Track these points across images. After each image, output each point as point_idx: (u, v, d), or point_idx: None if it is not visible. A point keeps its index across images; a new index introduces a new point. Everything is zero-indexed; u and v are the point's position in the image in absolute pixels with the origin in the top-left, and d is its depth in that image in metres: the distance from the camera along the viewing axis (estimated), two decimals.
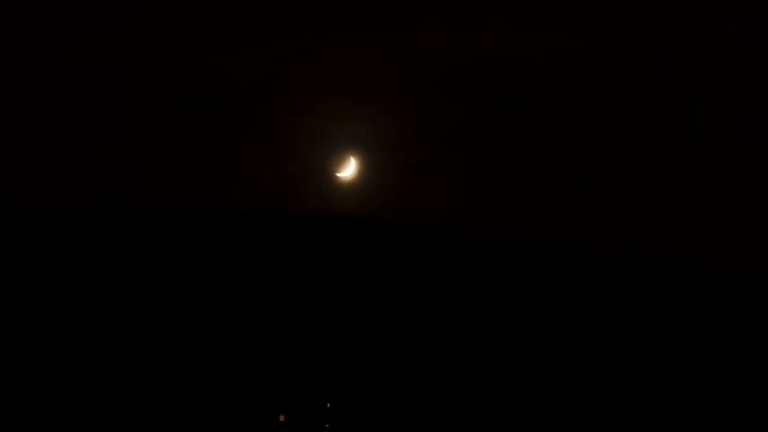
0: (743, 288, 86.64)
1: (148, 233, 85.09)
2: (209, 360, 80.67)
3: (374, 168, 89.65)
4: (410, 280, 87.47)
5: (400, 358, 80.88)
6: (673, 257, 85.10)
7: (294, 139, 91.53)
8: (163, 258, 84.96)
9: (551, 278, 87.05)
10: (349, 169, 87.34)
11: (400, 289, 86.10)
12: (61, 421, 71.41)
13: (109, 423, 74.26)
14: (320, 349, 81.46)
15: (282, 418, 74.80)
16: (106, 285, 78.87)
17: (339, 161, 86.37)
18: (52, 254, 74.79)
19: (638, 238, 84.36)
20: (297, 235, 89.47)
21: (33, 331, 71.27)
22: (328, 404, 78.54)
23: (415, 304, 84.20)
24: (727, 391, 75.77)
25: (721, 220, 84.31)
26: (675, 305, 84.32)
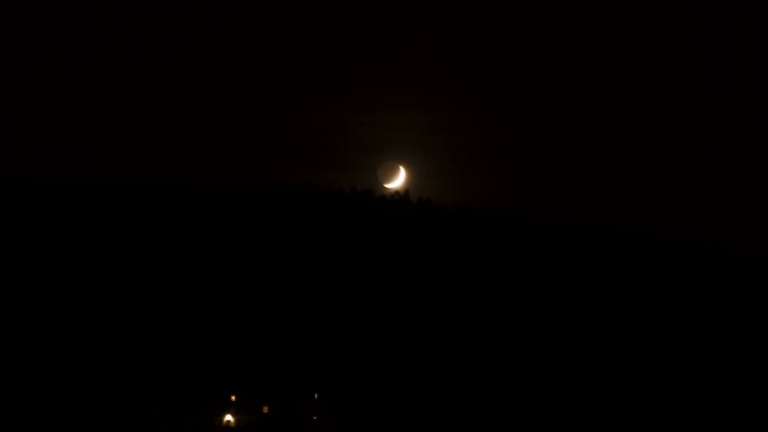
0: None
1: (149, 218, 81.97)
2: (194, 352, 76.36)
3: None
4: (403, 276, 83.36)
5: (393, 351, 77.02)
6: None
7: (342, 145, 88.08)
8: (153, 245, 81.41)
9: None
10: (398, 180, 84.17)
11: (393, 283, 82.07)
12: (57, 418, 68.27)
13: (100, 413, 70.80)
14: (310, 341, 77.40)
15: (265, 409, 71.08)
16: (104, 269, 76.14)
17: (387, 171, 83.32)
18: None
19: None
20: (288, 228, 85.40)
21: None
22: (316, 395, 74.59)
23: (409, 299, 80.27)
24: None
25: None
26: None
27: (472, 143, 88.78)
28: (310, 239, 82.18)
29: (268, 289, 79.60)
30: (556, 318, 79.77)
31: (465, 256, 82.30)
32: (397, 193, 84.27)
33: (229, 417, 75.55)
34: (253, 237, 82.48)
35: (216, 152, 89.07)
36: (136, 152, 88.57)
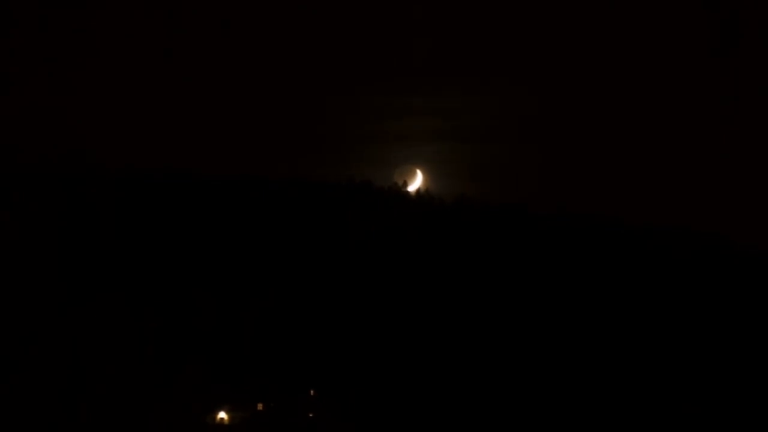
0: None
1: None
2: (188, 347, 74.72)
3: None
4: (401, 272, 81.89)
5: (390, 347, 75.48)
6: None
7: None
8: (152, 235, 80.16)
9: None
10: (416, 183, 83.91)
11: (388, 277, 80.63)
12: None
13: (89, 407, 69.36)
14: (305, 337, 75.79)
15: (260, 406, 69.16)
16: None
17: (404, 174, 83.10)
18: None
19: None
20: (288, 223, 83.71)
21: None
22: (312, 391, 72.80)
23: (411, 295, 78.79)
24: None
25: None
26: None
27: (487, 141, 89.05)
28: (305, 233, 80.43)
29: (263, 285, 77.82)
30: (559, 312, 78.53)
31: (461, 249, 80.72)
32: (395, 184, 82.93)
33: (222, 414, 73.82)
34: (247, 231, 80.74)
35: (229, 148, 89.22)
36: (161, 147, 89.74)
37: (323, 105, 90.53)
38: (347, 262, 77.90)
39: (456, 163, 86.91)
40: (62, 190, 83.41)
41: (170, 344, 74.84)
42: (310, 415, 74.68)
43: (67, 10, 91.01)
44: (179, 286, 77.87)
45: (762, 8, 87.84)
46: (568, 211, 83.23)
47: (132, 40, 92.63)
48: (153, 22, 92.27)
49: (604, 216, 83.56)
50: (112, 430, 70.95)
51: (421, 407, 73.92)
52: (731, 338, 75.76)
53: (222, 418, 73.69)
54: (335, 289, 77.40)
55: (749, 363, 73.92)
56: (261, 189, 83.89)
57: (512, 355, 75.60)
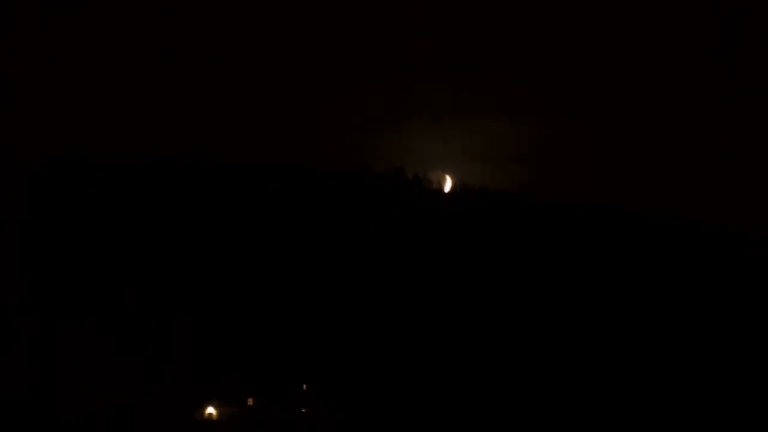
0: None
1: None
2: (175, 339, 72.72)
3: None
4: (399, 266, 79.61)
5: (385, 342, 72.99)
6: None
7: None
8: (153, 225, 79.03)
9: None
10: (446, 185, 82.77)
11: (384, 270, 78.22)
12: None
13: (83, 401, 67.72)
14: (299, 330, 73.50)
15: (250, 401, 66.53)
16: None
17: (436, 176, 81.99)
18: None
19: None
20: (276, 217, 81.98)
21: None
22: (305, 386, 70.09)
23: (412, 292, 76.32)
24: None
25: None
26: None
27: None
28: (297, 223, 78.37)
29: (254, 276, 75.74)
30: (560, 309, 75.37)
31: (462, 240, 78.00)
32: (392, 166, 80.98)
33: (211, 409, 71.51)
34: (238, 223, 78.94)
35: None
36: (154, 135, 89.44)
37: (323, 99, 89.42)
38: (341, 252, 75.60)
39: (456, 151, 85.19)
40: (62, 190, 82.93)
41: (158, 337, 73.07)
42: (303, 410, 72.38)
43: (67, 10, 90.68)
44: (170, 280, 76.20)
45: (762, 8, 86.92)
46: (572, 201, 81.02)
47: (132, 39, 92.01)
48: (154, 20, 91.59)
49: (609, 206, 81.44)
50: (98, 424, 69.27)
51: (419, 403, 71.30)
52: (735, 336, 72.10)
53: (210, 414, 71.49)
54: (330, 281, 75.13)
55: (755, 362, 70.19)
56: (252, 178, 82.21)
57: (512, 352, 72.56)
